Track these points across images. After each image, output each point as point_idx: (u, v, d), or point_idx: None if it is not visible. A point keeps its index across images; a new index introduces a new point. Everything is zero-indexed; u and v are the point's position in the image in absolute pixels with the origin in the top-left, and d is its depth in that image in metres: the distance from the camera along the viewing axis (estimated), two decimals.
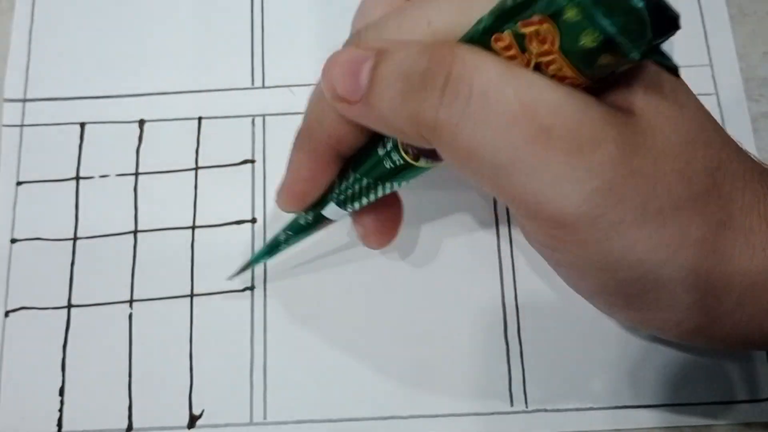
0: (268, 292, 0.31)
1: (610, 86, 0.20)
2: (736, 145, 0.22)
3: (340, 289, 0.31)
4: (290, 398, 0.30)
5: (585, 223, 0.19)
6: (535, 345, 0.30)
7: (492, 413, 0.29)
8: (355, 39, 0.22)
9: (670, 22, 0.18)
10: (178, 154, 0.33)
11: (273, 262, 0.31)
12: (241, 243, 0.32)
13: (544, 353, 0.30)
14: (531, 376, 0.30)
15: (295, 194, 0.25)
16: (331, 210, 0.25)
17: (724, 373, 0.30)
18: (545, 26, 0.18)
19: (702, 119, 0.21)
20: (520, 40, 0.19)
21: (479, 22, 0.20)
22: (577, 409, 0.30)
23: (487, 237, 0.32)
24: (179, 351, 0.31)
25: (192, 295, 0.31)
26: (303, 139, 0.24)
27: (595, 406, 0.30)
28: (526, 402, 0.30)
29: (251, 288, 0.31)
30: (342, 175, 0.25)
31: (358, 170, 0.24)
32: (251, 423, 0.30)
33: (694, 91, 0.22)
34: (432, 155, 0.22)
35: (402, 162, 0.23)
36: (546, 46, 0.18)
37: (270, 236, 0.29)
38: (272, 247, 0.29)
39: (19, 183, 0.33)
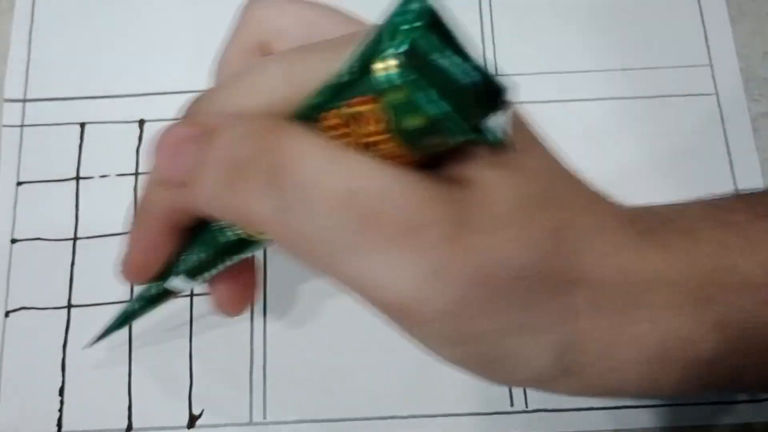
0: (268, 292, 0.31)
1: (448, 156, 0.20)
2: (593, 198, 0.22)
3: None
4: (290, 398, 0.30)
5: (422, 304, 0.19)
6: None
7: (492, 413, 0.29)
8: (190, 109, 0.21)
9: (499, 97, 0.17)
10: None
11: (273, 261, 0.31)
12: None
13: None
14: None
15: (136, 266, 0.24)
16: (177, 282, 0.24)
17: None
18: (371, 107, 0.17)
19: (547, 180, 0.20)
20: (348, 119, 0.18)
21: (310, 97, 0.19)
22: (577, 409, 0.30)
23: None
24: (179, 351, 0.31)
25: (192, 295, 0.31)
26: (140, 211, 0.23)
27: (595, 406, 0.30)
28: (526, 402, 0.30)
29: None
30: (185, 247, 0.23)
31: (198, 244, 0.23)
32: (251, 423, 0.30)
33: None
34: None
35: (237, 238, 0.22)
36: (373, 127, 0.18)
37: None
38: (125, 319, 0.27)
39: (19, 183, 0.33)
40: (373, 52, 0.17)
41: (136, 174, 0.33)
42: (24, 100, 0.34)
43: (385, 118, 0.17)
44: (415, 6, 0.17)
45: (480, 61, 0.17)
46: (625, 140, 0.34)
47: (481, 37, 0.35)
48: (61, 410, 0.30)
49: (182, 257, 0.23)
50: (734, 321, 0.21)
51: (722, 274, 0.21)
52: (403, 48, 0.17)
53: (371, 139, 0.18)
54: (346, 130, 0.18)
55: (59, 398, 0.30)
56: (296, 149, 0.18)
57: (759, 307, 0.21)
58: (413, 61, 0.17)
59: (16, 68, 0.35)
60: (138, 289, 0.25)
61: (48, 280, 0.31)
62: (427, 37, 0.17)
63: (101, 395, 0.30)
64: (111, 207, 0.33)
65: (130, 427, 0.30)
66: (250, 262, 0.26)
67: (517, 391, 0.30)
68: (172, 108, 0.34)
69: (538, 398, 0.30)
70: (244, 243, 0.22)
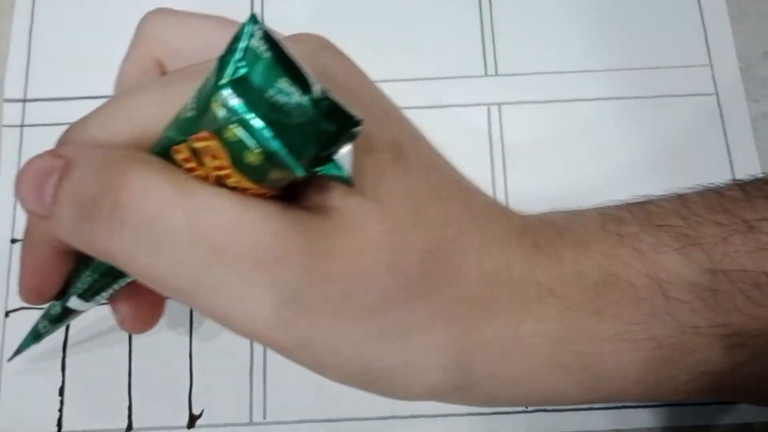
0: None
1: (310, 185, 0.19)
2: (479, 213, 0.22)
3: None
4: (290, 398, 0.30)
5: (278, 334, 0.19)
6: None
7: (492, 413, 0.29)
8: (63, 136, 0.21)
9: (343, 129, 0.17)
10: None
11: None
12: None
13: None
14: None
15: (29, 289, 0.23)
16: (75, 302, 0.23)
17: None
18: (213, 143, 0.17)
19: (418, 202, 0.20)
20: (195, 153, 0.18)
21: (165, 129, 0.19)
22: (577, 409, 0.30)
23: None
24: (179, 351, 0.31)
25: None
26: (26, 234, 0.23)
27: (595, 406, 0.30)
28: None
29: None
30: (79, 267, 0.23)
31: (89, 266, 0.22)
32: (251, 423, 0.30)
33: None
34: None
35: None
36: (218, 162, 0.17)
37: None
38: (35, 336, 0.27)
39: None
40: (209, 87, 0.17)
41: None
42: (24, 100, 0.34)
43: (225, 154, 0.17)
44: (243, 44, 0.16)
45: (322, 92, 0.17)
46: (625, 140, 0.34)
47: (481, 37, 0.35)
48: (61, 410, 0.30)
49: (77, 278, 0.23)
50: (623, 332, 0.21)
51: (611, 287, 0.21)
52: (233, 85, 0.16)
53: (221, 173, 0.18)
54: (193, 164, 0.18)
55: (59, 398, 0.30)
56: (141, 186, 0.18)
57: (645, 319, 0.21)
58: (245, 97, 0.16)
59: (16, 68, 0.35)
60: (44, 307, 0.25)
61: None
62: (260, 72, 0.16)
63: (101, 395, 0.30)
64: None
65: (130, 427, 0.30)
66: None
67: None
68: None
69: None
70: None
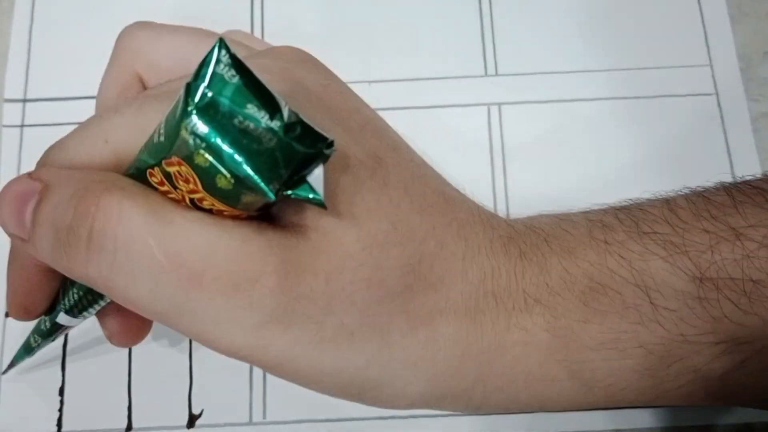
0: None
1: (285, 204, 0.19)
2: (463, 223, 0.22)
3: None
4: (290, 398, 0.30)
5: (259, 353, 0.19)
6: None
7: (492, 413, 0.29)
8: (42, 157, 0.21)
9: (313, 152, 0.17)
10: None
11: None
12: None
13: None
14: None
15: (18, 306, 0.23)
16: (63, 318, 0.24)
17: None
18: (184, 168, 0.17)
19: (396, 217, 0.20)
20: (169, 177, 0.18)
21: (139, 152, 0.19)
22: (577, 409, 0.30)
23: None
24: (179, 351, 0.31)
25: None
26: (12, 253, 0.23)
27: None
28: None
29: None
30: (66, 285, 0.23)
31: (74, 284, 0.22)
32: (251, 423, 0.30)
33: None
34: None
35: None
36: (191, 186, 0.18)
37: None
38: (27, 349, 0.27)
39: None
40: (177, 113, 0.17)
41: None
42: (24, 100, 0.34)
43: (196, 178, 0.17)
44: (209, 70, 0.16)
45: (292, 114, 0.17)
46: (625, 140, 0.34)
47: (481, 37, 0.35)
48: (61, 410, 0.30)
49: (64, 294, 0.23)
50: (611, 340, 0.21)
51: (598, 296, 0.21)
52: (200, 112, 0.16)
53: (195, 196, 0.18)
54: (168, 188, 0.18)
55: (59, 398, 0.30)
56: (115, 213, 0.18)
57: (633, 327, 0.21)
58: (213, 123, 0.16)
59: (16, 68, 0.35)
60: (34, 322, 0.25)
61: None
62: (228, 97, 0.16)
63: (101, 395, 0.30)
64: None
65: (129, 426, 0.30)
66: None
67: None
68: None
69: None
70: None
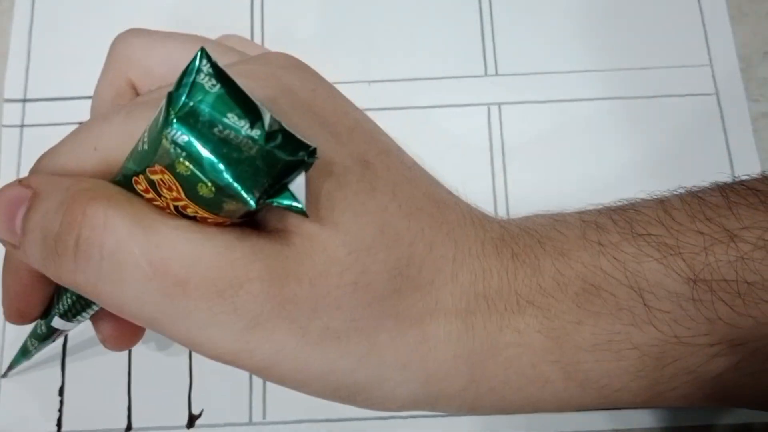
0: None
1: (270, 210, 0.20)
2: (454, 225, 0.22)
3: None
4: (289, 398, 0.30)
5: (245, 358, 0.19)
6: None
7: (487, 414, 0.29)
8: (36, 164, 0.21)
9: (294, 159, 0.17)
10: None
11: None
12: None
13: None
14: None
15: (12, 311, 0.24)
16: (58, 322, 0.24)
17: None
18: (166, 176, 0.17)
19: (383, 221, 0.20)
20: (153, 185, 0.18)
21: (125, 160, 0.19)
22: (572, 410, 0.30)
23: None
24: (179, 351, 0.31)
25: None
26: (5, 258, 0.23)
27: None
28: None
29: None
30: (60, 289, 0.23)
31: (67, 289, 0.22)
32: (250, 423, 0.30)
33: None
34: None
35: None
36: (174, 194, 0.18)
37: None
38: (24, 352, 0.27)
39: None
40: (159, 122, 0.17)
41: None
42: (24, 100, 0.34)
43: (178, 187, 0.17)
44: (190, 79, 0.17)
45: (274, 123, 0.17)
46: (625, 140, 0.34)
47: (481, 37, 0.35)
48: (61, 410, 0.30)
49: (58, 299, 0.23)
50: (605, 342, 0.21)
51: (592, 297, 0.21)
52: (181, 121, 0.16)
53: (179, 204, 0.18)
54: (153, 195, 0.18)
55: (59, 398, 0.30)
56: (101, 221, 0.18)
57: (626, 329, 0.21)
58: (193, 132, 0.16)
59: (16, 68, 0.35)
60: (31, 325, 0.25)
61: None
62: (208, 107, 0.16)
63: (101, 395, 0.30)
64: None
65: (129, 426, 0.30)
66: None
67: None
68: None
69: None
70: None
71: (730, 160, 0.33)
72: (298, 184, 0.18)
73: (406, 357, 0.21)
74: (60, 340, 0.31)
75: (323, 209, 0.19)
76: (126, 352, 0.30)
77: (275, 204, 0.18)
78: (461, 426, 0.29)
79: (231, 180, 0.17)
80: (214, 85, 0.17)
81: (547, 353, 0.21)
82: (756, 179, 0.23)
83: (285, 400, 0.30)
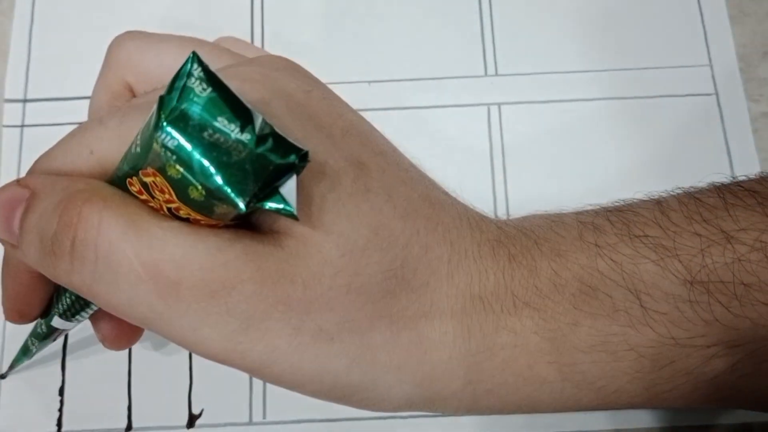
0: None
1: (263, 211, 0.20)
2: (449, 227, 0.22)
3: None
4: (289, 398, 0.30)
5: (237, 358, 0.20)
6: None
7: (485, 414, 0.29)
8: (34, 164, 0.22)
9: (284, 163, 0.17)
10: None
11: None
12: None
13: None
14: None
15: (12, 310, 0.24)
16: (58, 321, 0.24)
17: None
18: (158, 179, 0.18)
19: (378, 222, 0.20)
20: (146, 187, 0.18)
21: (121, 162, 0.19)
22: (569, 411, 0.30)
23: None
24: (179, 350, 0.31)
25: None
26: (5, 258, 0.23)
27: None
28: None
29: None
30: (59, 289, 0.23)
31: (66, 288, 0.23)
32: (251, 423, 0.30)
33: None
34: None
35: None
36: (166, 196, 0.18)
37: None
38: (25, 352, 0.28)
39: None
40: (151, 125, 0.17)
41: None
42: (24, 100, 0.34)
43: (170, 189, 0.18)
44: (181, 83, 0.17)
45: (265, 126, 0.17)
46: (624, 140, 0.34)
47: (481, 37, 0.35)
48: (61, 410, 0.30)
49: (58, 298, 0.23)
50: (601, 343, 0.21)
51: (588, 298, 0.21)
52: (172, 124, 0.17)
53: (171, 206, 0.18)
54: (146, 197, 0.19)
55: (59, 398, 0.30)
56: (96, 222, 0.19)
57: (623, 330, 0.21)
58: (184, 136, 0.17)
59: (16, 68, 0.35)
60: (31, 325, 0.25)
61: None
62: (199, 111, 0.17)
63: (101, 395, 0.30)
64: None
65: (129, 426, 0.30)
66: None
67: None
68: None
69: None
70: None
71: (730, 160, 0.33)
72: (289, 188, 0.18)
73: (401, 358, 0.21)
74: (60, 339, 0.31)
75: (317, 211, 0.19)
76: (126, 352, 0.30)
77: (266, 207, 0.18)
78: (461, 426, 0.29)
79: (221, 183, 0.17)
80: (205, 89, 0.17)
81: (543, 354, 0.21)
82: (753, 180, 0.23)
83: (285, 400, 0.30)
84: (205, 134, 0.17)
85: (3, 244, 0.21)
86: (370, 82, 0.34)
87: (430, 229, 0.21)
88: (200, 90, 0.17)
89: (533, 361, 0.21)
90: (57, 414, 0.30)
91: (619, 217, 0.22)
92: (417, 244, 0.21)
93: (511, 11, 0.36)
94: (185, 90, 0.17)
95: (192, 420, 0.30)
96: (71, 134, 0.21)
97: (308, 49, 0.35)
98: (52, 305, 0.24)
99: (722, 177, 0.24)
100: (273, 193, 0.18)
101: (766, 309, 0.21)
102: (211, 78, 0.17)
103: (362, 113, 0.23)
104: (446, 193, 0.24)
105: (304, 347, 0.20)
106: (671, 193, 0.23)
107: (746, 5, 0.36)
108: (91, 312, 0.23)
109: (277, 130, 0.17)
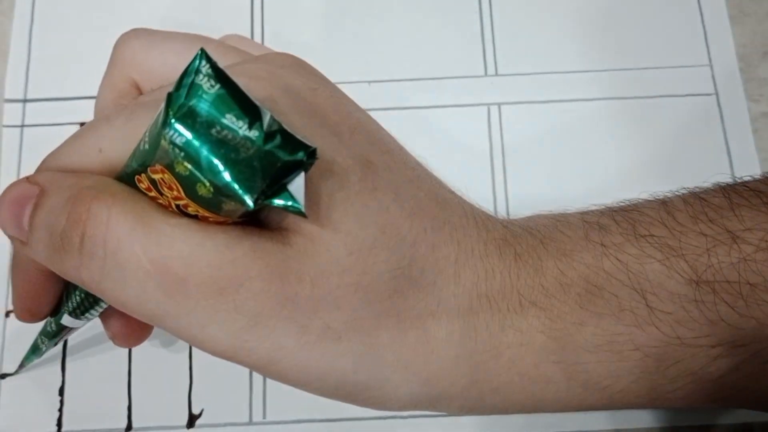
0: None
1: (272, 208, 0.19)
2: (456, 226, 0.22)
3: None
4: (289, 398, 0.30)
5: (244, 355, 0.20)
6: None
7: (489, 414, 0.29)
8: (43, 162, 0.22)
9: (293, 161, 0.17)
10: None
11: None
12: None
13: None
14: None
15: (23, 309, 0.24)
16: (68, 319, 0.24)
17: None
18: (167, 176, 0.18)
19: (385, 221, 0.20)
20: (154, 184, 0.18)
21: (129, 158, 0.19)
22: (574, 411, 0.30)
23: None
24: (179, 350, 0.31)
25: None
26: (14, 257, 0.23)
27: None
28: None
29: None
30: (69, 287, 0.23)
31: (76, 286, 0.23)
32: (251, 423, 0.30)
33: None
34: None
35: None
36: (175, 193, 0.18)
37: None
38: (35, 350, 0.27)
39: None
40: (159, 122, 0.17)
41: None
42: (24, 100, 0.34)
43: (178, 186, 0.18)
44: (189, 80, 0.17)
45: (273, 123, 0.17)
46: (624, 140, 0.34)
47: (481, 37, 0.35)
48: (61, 410, 0.30)
49: (68, 296, 0.23)
50: (607, 342, 0.21)
51: (594, 298, 0.21)
52: (180, 121, 0.17)
53: (180, 203, 0.18)
54: (155, 194, 0.19)
55: (59, 398, 0.30)
56: (105, 219, 0.19)
57: (629, 330, 0.21)
58: (192, 133, 0.17)
59: (16, 68, 0.35)
60: (41, 323, 0.25)
61: None
62: (207, 107, 0.17)
63: (101, 395, 0.30)
64: None
65: (129, 426, 0.30)
66: None
67: None
68: None
69: None
70: None
71: (730, 160, 0.33)
72: (298, 185, 0.18)
73: (408, 357, 0.21)
74: None
75: (325, 209, 0.19)
76: (126, 352, 0.30)
77: (274, 204, 0.18)
78: (461, 426, 0.29)
79: (229, 180, 0.17)
80: (213, 86, 0.17)
81: (549, 353, 0.21)
82: (758, 180, 0.23)
83: (285, 400, 0.30)
84: (213, 131, 0.17)
85: (13, 241, 0.21)
86: (370, 82, 0.34)
87: (437, 227, 0.21)
88: (208, 87, 0.17)
89: (539, 360, 0.21)
90: (57, 414, 0.30)
91: (625, 217, 0.22)
92: (424, 242, 0.21)
93: (511, 11, 0.36)
94: (193, 87, 0.17)
95: (192, 420, 0.30)
96: (79, 133, 0.21)
97: (308, 49, 0.35)
98: (62, 303, 0.24)
99: (723, 177, 0.24)
100: (281, 190, 0.17)
101: None
102: (219, 75, 0.17)
103: None
104: (452, 192, 0.24)
105: (311, 345, 0.20)
106: (676, 193, 0.23)
107: (746, 5, 0.36)
108: (100, 310, 0.23)
109: (285, 127, 0.17)
